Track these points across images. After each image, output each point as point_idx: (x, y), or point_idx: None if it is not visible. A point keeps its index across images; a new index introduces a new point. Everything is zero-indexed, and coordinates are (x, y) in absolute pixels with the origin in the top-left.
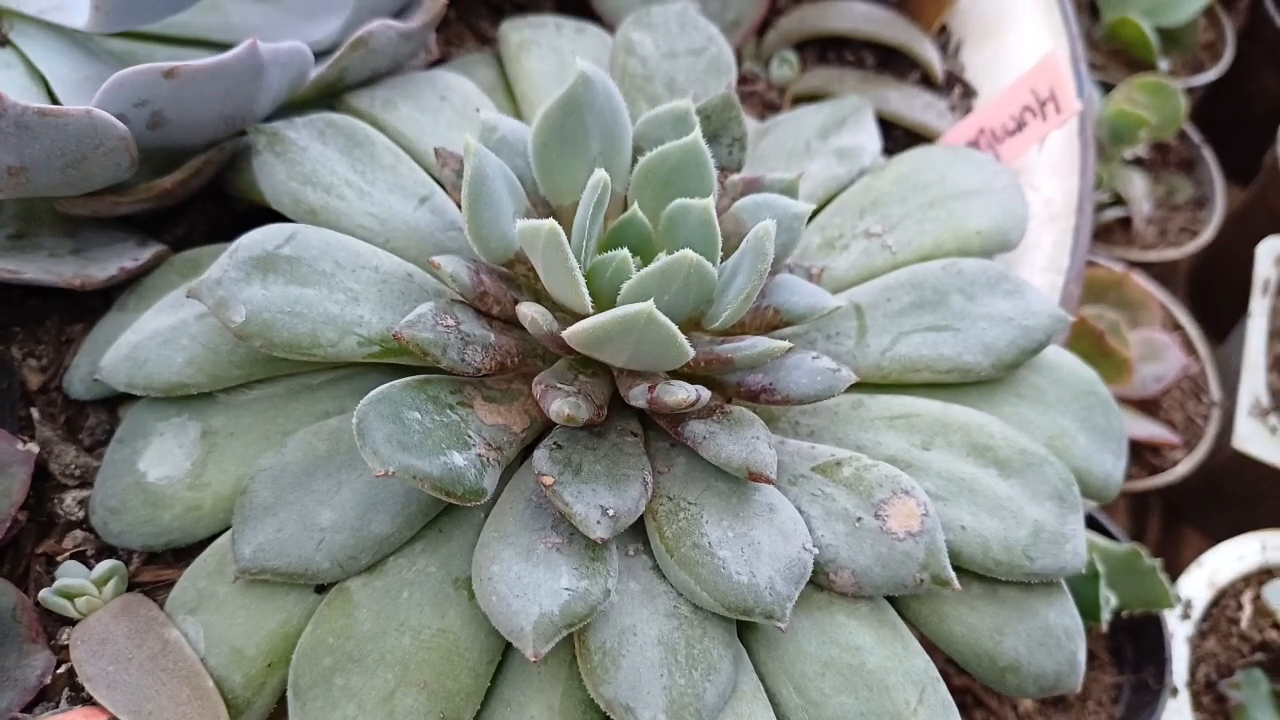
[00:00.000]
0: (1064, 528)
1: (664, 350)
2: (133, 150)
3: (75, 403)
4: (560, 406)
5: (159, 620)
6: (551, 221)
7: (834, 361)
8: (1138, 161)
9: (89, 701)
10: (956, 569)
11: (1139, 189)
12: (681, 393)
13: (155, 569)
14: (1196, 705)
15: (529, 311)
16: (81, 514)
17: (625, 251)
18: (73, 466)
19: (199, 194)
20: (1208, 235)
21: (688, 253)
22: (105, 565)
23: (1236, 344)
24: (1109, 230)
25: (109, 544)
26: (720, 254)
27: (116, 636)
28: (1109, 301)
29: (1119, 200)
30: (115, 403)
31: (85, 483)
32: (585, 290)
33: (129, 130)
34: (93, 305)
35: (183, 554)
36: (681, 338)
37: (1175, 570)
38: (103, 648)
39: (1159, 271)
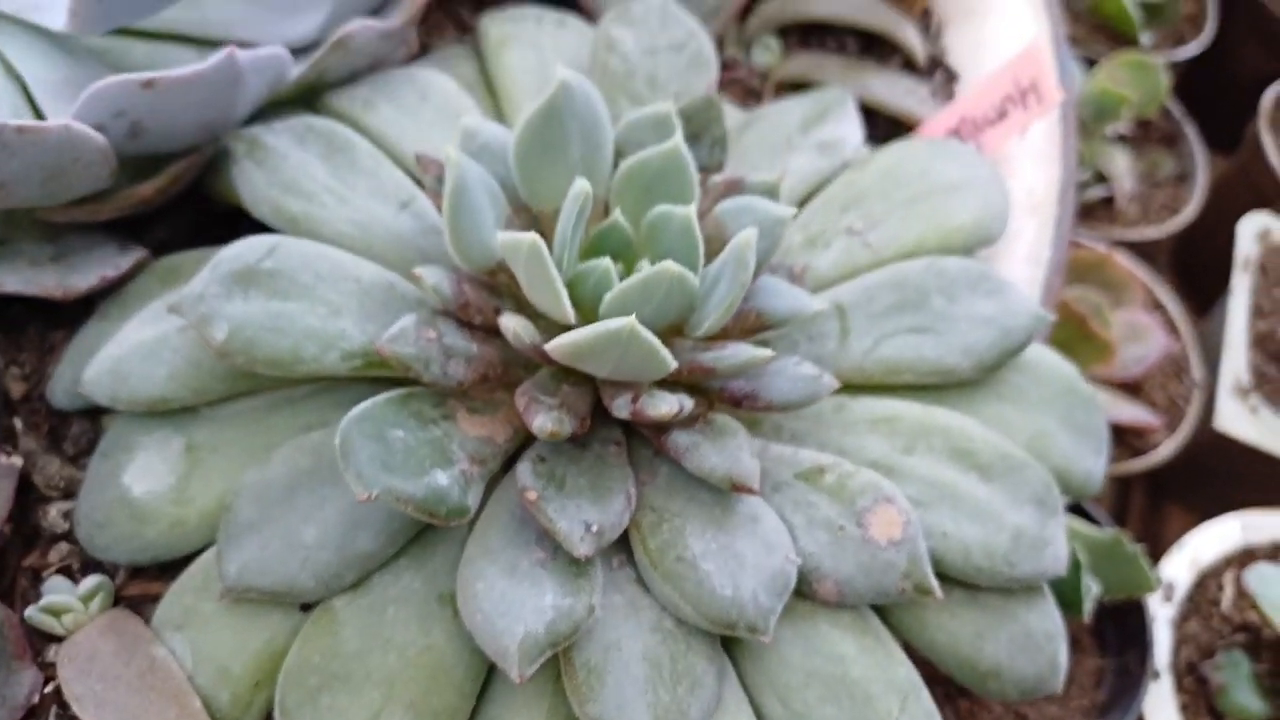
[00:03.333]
0: (1044, 532)
1: (647, 363)
2: (111, 160)
3: (58, 411)
4: (543, 423)
5: (146, 637)
6: (533, 235)
7: (816, 368)
8: (1120, 138)
9: None
10: (938, 575)
11: (1121, 165)
12: (664, 406)
13: (141, 582)
14: (1179, 687)
15: (511, 325)
16: (66, 526)
17: (607, 261)
18: (57, 479)
19: (180, 195)
20: (1189, 213)
21: (669, 265)
22: (91, 581)
23: (1218, 320)
24: (1092, 209)
25: (94, 557)
26: (702, 260)
27: (104, 654)
28: (1092, 282)
29: (1101, 179)
30: (98, 411)
31: (69, 494)
32: (568, 302)
33: (108, 141)
34: (74, 311)
35: (168, 567)
36: (664, 352)
37: (1159, 547)
38: (90, 666)
39: (1142, 249)
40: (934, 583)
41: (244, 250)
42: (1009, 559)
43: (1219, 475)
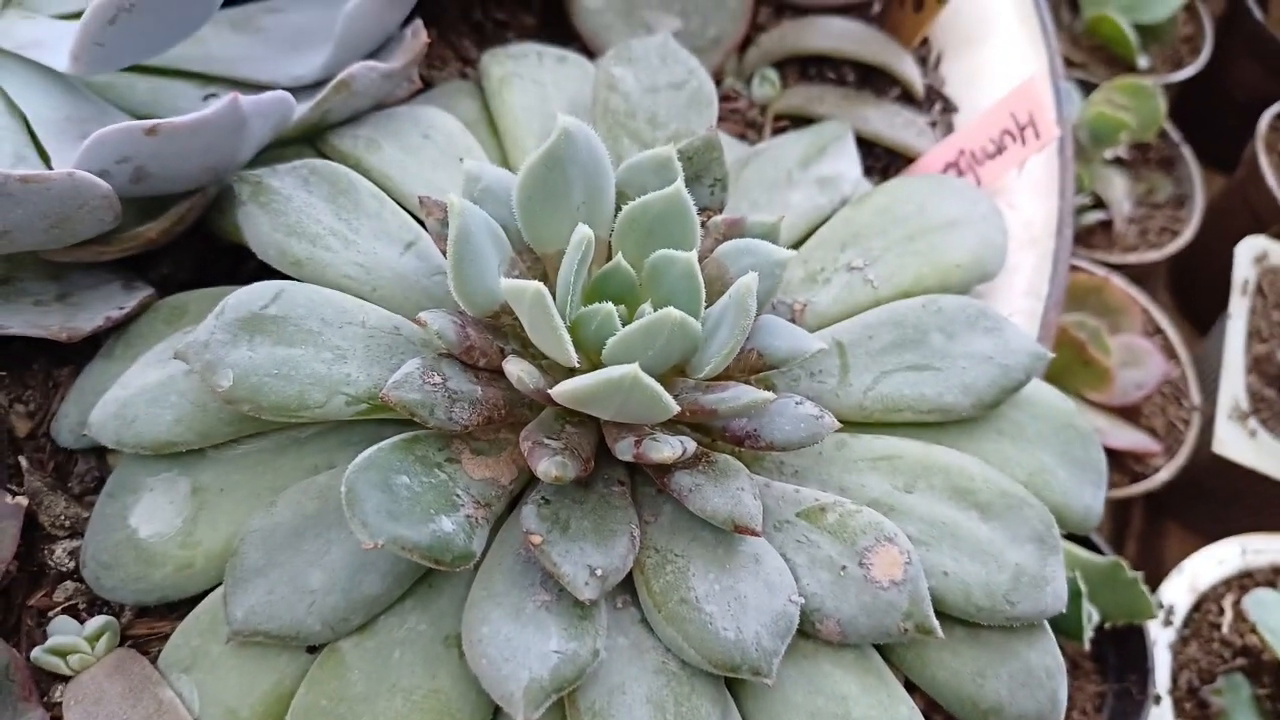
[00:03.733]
0: (1044, 570)
1: (649, 408)
2: (116, 205)
3: (64, 449)
4: (548, 467)
5: (153, 679)
6: (537, 285)
7: (817, 408)
8: (1118, 161)
9: None
10: (939, 614)
11: (1119, 189)
12: (667, 449)
13: (148, 622)
14: (1179, 712)
15: (515, 370)
16: (72, 565)
17: (609, 306)
18: (63, 517)
19: (184, 231)
20: (1186, 237)
21: (671, 311)
22: (98, 622)
23: (1216, 343)
24: (1090, 233)
25: (101, 596)
26: (704, 303)
27: (111, 696)
28: (1090, 307)
29: (1100, 203)
30: (104, 448)
31: (75, 533)
32: (571, 347)
33: (112, 187)
34: (79, 346)
35: (175, 606)
36: (667, 398)
37: (1157, 569)
38: (97, 708)
39: (1140, 272)
40: (934, 622)
41: (249, 296)
42: (1009, 598)
43: (1218, 497)
